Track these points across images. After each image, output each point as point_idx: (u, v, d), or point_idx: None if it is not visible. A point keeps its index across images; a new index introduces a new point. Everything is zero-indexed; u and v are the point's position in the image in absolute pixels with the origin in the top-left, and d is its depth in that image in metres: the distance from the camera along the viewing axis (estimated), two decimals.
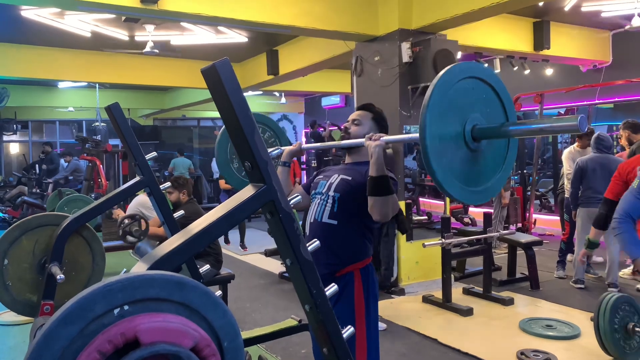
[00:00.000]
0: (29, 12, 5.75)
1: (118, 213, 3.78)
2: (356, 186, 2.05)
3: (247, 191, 1.34)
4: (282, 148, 2.28)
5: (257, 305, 4.90)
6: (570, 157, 5.56)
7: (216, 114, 14.45)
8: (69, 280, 1.98)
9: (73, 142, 13.16)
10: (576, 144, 5.76)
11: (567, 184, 5.46)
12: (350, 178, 2.10)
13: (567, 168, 5.53)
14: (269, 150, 1.37)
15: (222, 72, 1.24)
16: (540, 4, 5.89)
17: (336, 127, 11.53)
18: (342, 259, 2.05)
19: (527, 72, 7.76)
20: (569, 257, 5.45)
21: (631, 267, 5.25)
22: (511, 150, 1.79)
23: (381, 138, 1.89)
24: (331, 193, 2.10)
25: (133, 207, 5.19)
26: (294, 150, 2.29)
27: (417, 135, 1.58)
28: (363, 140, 1.96)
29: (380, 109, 2.27)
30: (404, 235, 5.12)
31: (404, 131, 5.32)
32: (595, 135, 5.02)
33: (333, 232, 2.05)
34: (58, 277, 1.84)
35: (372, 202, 1.91)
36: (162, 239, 4.18)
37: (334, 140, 7.49)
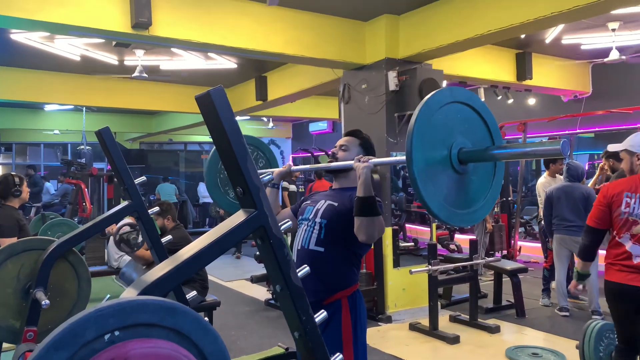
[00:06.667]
0: (18, 36, 5.76)
1: (112, 227, 3.75)
2: (343, 211, 2.06)
3: (238, 216, 1.35)
4: (272, 170, 2.30)
5: (243, 333, 4.83)
6: (543, 187, 5.70)
7: (203, 138, 14.47)
8: (53, 306, 1.94)
9: (57, 165, 13.03)
10: (546, 172, 5.91)
11: (542, 213, 5.58)
12: (337, 204, 2.11)
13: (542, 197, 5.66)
14: (260, 175, 1.38)
15: (216, 100, 1.26)
16: (522, 36, 6.07)
17: (323, 153, 11.61)
18: (329, 287, 2.04)
19: (510, 101, 7.94)
20: (552, 284, 5.48)
21: None
22: (498, 172, 1.83)
23: (369, 160, 1.93)
24: (318, 219, 2.11)
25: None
26: (283, 171, 2.34)
27: (404, 157, 1.61)
28: (352, 162, 1.99)
29: (367, 135, 2.31)
30: (391, 262, 5.15)
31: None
32: (566, 164, 5.16)
33: (320, 260, 2.04)
34: (43, 302, 1.80)
35: (359, 223, 1.93)
36: (148, 262, 4.14)
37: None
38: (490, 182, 1.81)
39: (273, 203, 2.31)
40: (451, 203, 1.65)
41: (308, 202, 2.25)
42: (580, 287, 2.96)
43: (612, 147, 3.00)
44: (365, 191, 1.91)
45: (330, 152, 2.24)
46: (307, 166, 2.48)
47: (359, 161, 1.95)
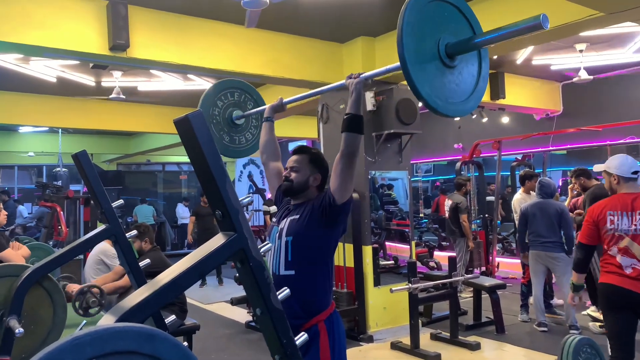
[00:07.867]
0: None
1: (72, 287, 3.62)
2: (305, 218, 2.07)
3: (218, 240, 1.35)
4: (265, 107, 2.48)
5: (223, 356, 4.76)
6: (519, 204, 5.81)
7: (181, 158, 14.36)
8: (27, 334, 1.89)
9: (32, 187, 12.77)
10: (521, 189, 6.05)
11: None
12: (298, 216, 2.11)
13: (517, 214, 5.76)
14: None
15: (194, 124, 1.27)
16: (495, 57, 6.24)
17: None
18: (304, 311, 2.01)
19: (485, 120, 8.13)
20: (530, 299, 5.55)
21: (591, 308, 5.40)
22: (484, 62, 1.92)
23: (360, 75, 2.01)
24: (283, 239, 2.09)
25: (94, 255, 5.03)
26: (275, 104, 2.44)
27: (397, 64, 1.69)
28: (344, 81, 2.07)
29: (317, 149, 2.33)
30: (372, 281, 5.15)
31: (369, 176, 5.45)
32: (538, 181, 5.29)
33: (292, 285, 2.02)
34: (17, 331, 1.76)
35: (345, 137, 1.99)
36: (121, 291, 4.08)
37: None
38: (478, 73, 1.90)
39: (268, 136, 2.42)
40: (438, 92, 1.73)
41: (274, 220, 2.24)
42: (577, 299, 3.21)
43: (597, 168, 3.25)
44: (357, 109, 1.99)
45: (283, 175, 2.21)
46: (299, 95, 2.41)
47: (351, 78, 2.01)
